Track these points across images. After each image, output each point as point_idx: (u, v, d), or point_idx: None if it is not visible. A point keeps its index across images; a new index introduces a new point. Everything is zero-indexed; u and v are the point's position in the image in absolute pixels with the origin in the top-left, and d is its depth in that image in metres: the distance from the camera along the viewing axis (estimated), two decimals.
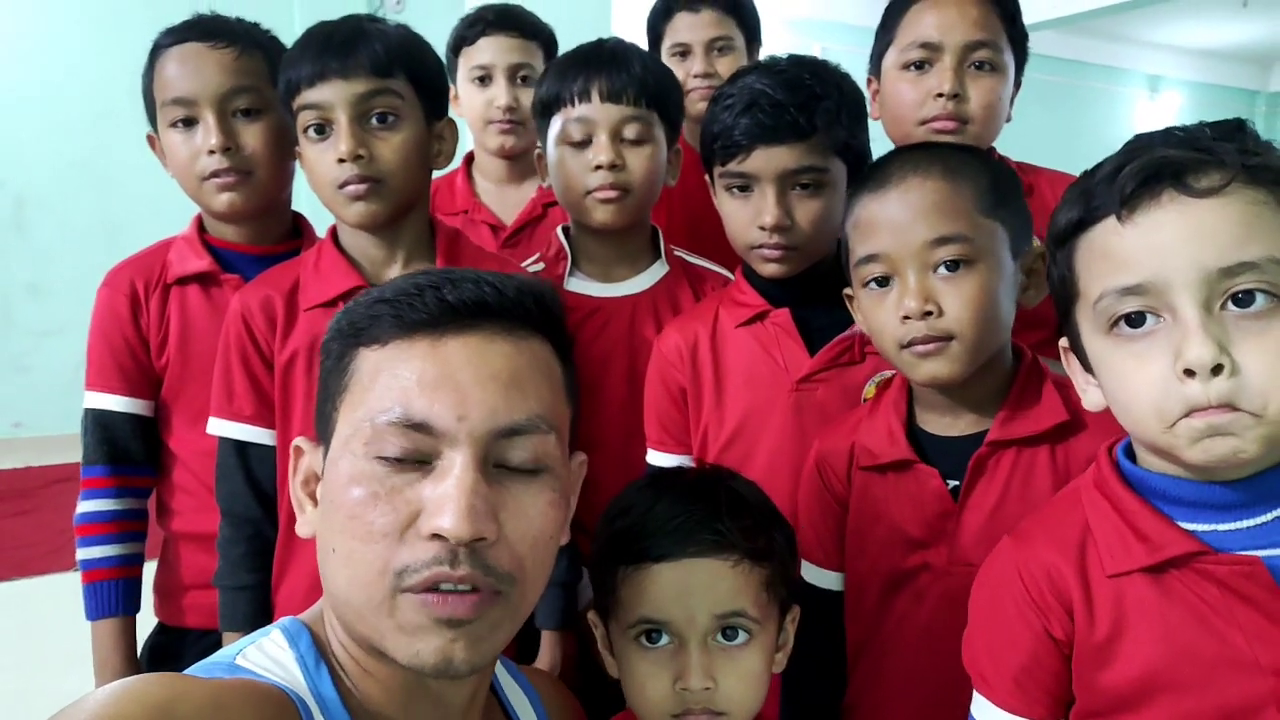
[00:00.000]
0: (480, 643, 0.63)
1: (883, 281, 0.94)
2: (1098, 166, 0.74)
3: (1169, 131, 0.72)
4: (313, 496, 0.71)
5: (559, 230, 1.36)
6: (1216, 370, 0.65)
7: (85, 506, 1.25)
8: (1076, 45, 7.95)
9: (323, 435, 0.70)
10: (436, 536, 0.61)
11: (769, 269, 1.12)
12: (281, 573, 1.14)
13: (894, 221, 0.92)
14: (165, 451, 1.28)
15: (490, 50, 1.63)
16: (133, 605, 1.26)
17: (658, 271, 1.33)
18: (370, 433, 0.63)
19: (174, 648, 1.27)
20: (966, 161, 0.96)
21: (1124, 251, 0.69)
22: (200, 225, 1.29)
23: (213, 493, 1.18)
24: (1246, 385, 0.65)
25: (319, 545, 0.68)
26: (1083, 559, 0.76)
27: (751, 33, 1.74)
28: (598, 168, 1.21)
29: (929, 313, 0.90)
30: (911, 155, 0.97)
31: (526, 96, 1.58)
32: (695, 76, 1.68)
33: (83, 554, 1.24)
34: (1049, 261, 0.79)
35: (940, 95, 1.21)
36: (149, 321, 1.25)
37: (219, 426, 1.15)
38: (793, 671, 1.03)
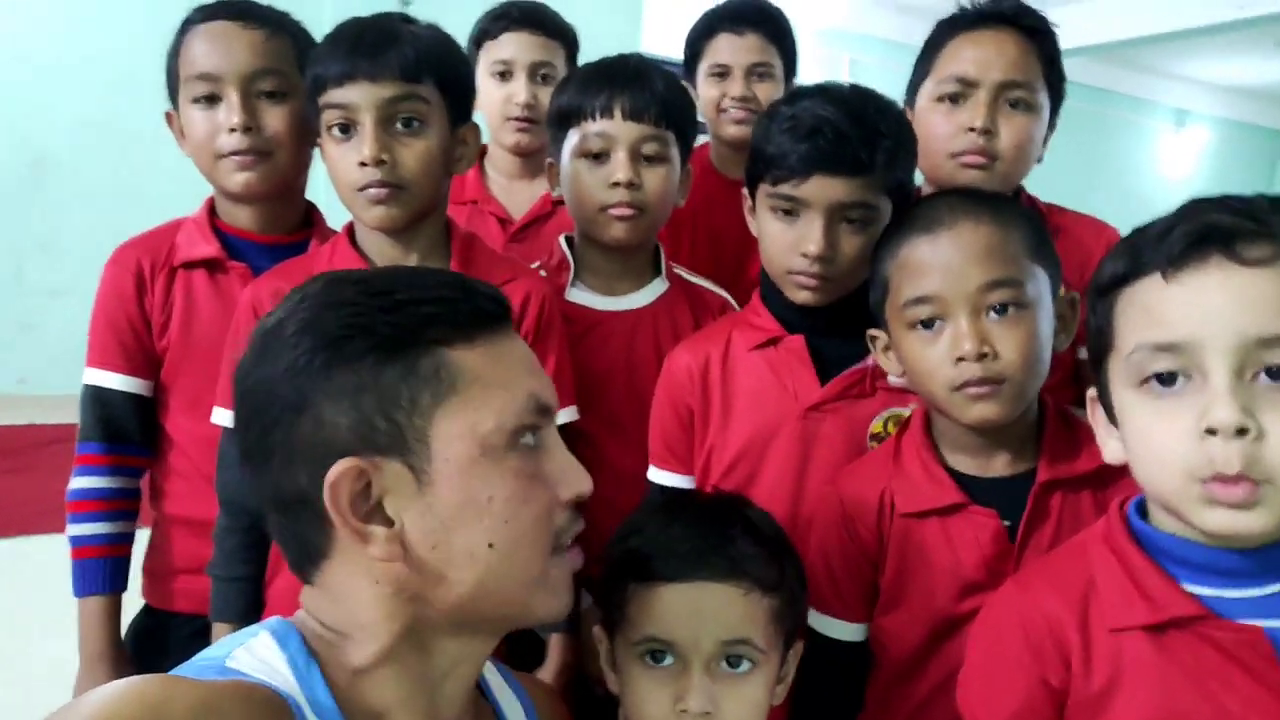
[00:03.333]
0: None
1: (929, 323, 0.94)
2: (1150, 223, 0.75)
3: (1225, 198, 0.73)
4: (381, 520, 0.66)
5: (561, 239, 1.36)
6: (1241, 433, 0.66)
7: (78, 483, 1.25)
8: (1105, 74, 7.91)
9: (389, 447, 0.65)
10: (575, 502, 0.72)
11: (802, 296, 1.10)
12: (276, 568, 1.13)
13: (947, 264, 0.93)
14: (161, 434, 1.27)
15: (513, 46, 1.63)
16: (120, 583, 1.25)
17: (658, 288, 1.33)
18: (514, 423, 0.68)
19: (160, 631, 1.27)
20: (1011, 207, 0.98)
21: (1164, 308, 0.70)
22: (211, 209, 1.28)
23: (207, 479, 1.17)
24: (1269, 451, 0.66)
25: (436, 557, 0.66)
26: (1085, 611, 0.77)
27: (790, 63, 1.73)
28: (615, 184, 1.21)
29: (984, 355, 0.91)
30: (959, 199, 0.99)
31: (545, 95, 1.58)
32: (732, 99, 1.67)
33: (73, 530, 1.24)
34: (1088, 311, 0.80)
35: (972, 130, 1.20)
36: (153, 302, 1.24)
37: (223, 416, 1.15)
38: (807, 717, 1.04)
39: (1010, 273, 0.93)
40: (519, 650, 1.22)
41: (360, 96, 1.06)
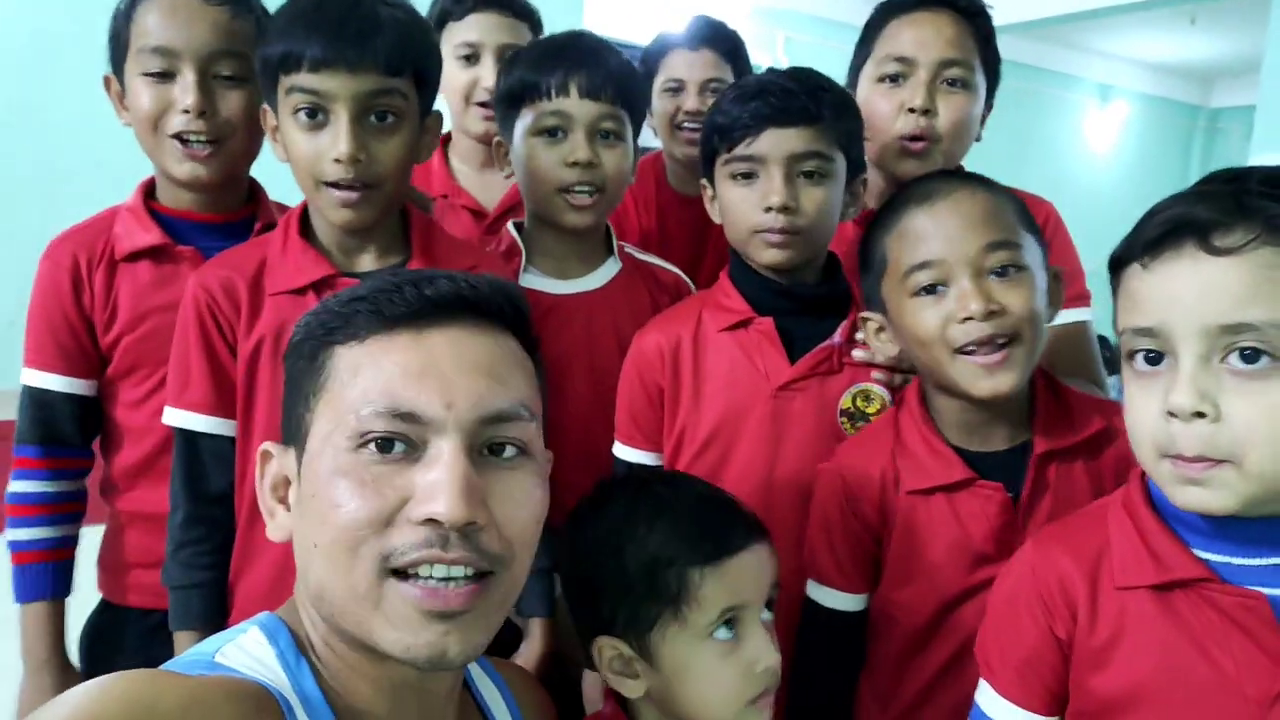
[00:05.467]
0: (473, 635, 0.65)
1: (931, 289, 0.97)
2: (1154, 206, 0.78)
3: (1230, 175, 0.74)
4: (284, 501, 0.70)
5: (510, 225, 1.34)
6: (1199, 416, 0.69)
7: (16, 486, 1.21)
8: (1032, 50, 8.08)
9: (293, 438, 0.70)
10: (428, 522, 0.62)
11: (770, 255, 1.12)
12: (240, 569, 1.11)
13: (947, 229, 0.97)
14: (114, 428, 1.23)
15: (478, 28, 1.56)
16: (62, 589, 1.22)
17: (611, 269, 1.33)
18: (355, 424, 0.64)
19: (116, 626, 1.24)
20: (999, 186, 1.02)
21: (1141, 295, 0.75)
22: (146, 192, 1.23)
23: (165, 473, 1.14)
24: (1227, 432, 0.69)
25: (298, 545, 0.68)
26: (1096, 569, 0.81)
27: None
28: (574, 164, 1.20)
29: (991, 313, 0.93)
30: (950, 175, 1.04)
31: None
32: (687, 113, 1.67)
33: (12, 535, 1.20)
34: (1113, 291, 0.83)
35: (912, 109, 1.23)
36: (93, 299, 1.19)
37: (174, 416, 1.10)
38: (807, 689, 1.07)
39: (1009, 235, 0.96)
40: (497, 636, 1.23)
41: (339, 86, 1.00)
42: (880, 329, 1.06)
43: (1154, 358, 0.74)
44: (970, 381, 0.95)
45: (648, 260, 1.38)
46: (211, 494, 1.10)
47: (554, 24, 1.57)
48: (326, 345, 0.68)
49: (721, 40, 1.72)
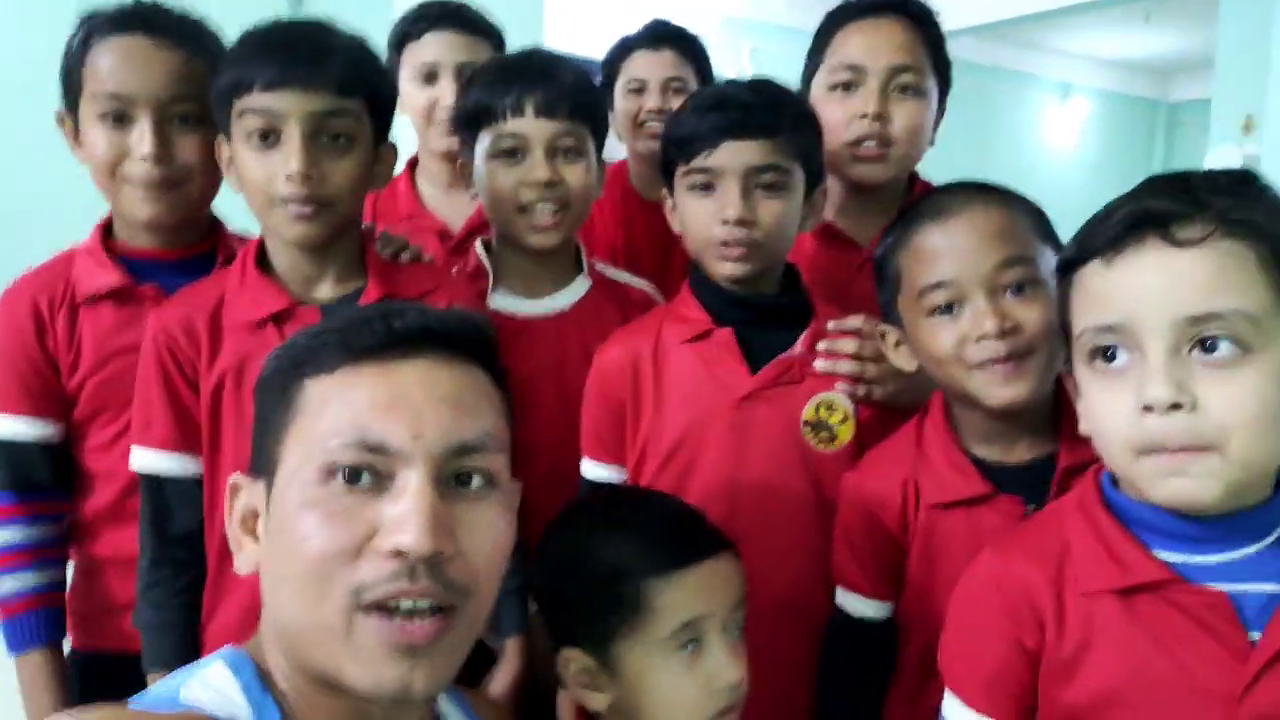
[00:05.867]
0: (438, 669, 0.66)
1: (948, 308, 0.96)
2: (1106, 205, 0.78)
3: (1175, 178, 0.75)
4: (252, 533, 0.71)
5: (478, 245, 1.34)
6: (1176, 408, 0.69)
7: None
8: (991, 51, 8.19)
9: (262, 470, 0.70)
10: (396, 553, 0.63)
11: (727, 268, 1.12)
12: (213, 606, 1.10)
13: (960, 247, 0.96)
14: (82, 472, 1.22)
15: (437, 47, 1.55)
16: (57, 633, 1.20)
17: (581, 287, 1.32)
18: (323, 457, 0.65)
19: (91, 674, 1.21)
20: (1014, 193, 1.01)
21: (1104, 291, 0.74)
22: (105, 232, 1.22)
23: (132, 515, 1.13)
24: (1206, 420, 0.69)
25: (265, 578, 0.68)
26: (1059, 576, 0.80)
27: (706, 80, 1.75)
28: (534, 184, 1.20)
29: (1006, 331, 0.92)
30: (964, 188, 1.02)
31: None
32: (649, 111, 1.68)
33: None
34: (1058, 295, 0.83)
35: (864, 116, 1.23)
36: (56, 342, 1.17)
37: (139, 456, 1.10)
38: (833, 699, 1.07)
39: (1024, 251, 0.95)
40: (471, 658, 1.22)
41: (291, 105, 1.02)
42: (899, 343, 1.05)
43: (1113, 355, 0.74)
44: (986, 392, 0.95)
45: (618, 278, 1.38)
46: (178, 534, 1.09)
47: (514, 41, 1.58)
48: (296, 379, 0.69)
49: (681, 40, 1.73)
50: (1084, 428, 0.82)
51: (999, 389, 0.94)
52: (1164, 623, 0.74)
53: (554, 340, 1.28)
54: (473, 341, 0.72)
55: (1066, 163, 8.99)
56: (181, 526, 1.09)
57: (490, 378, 0.74)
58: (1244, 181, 0.74)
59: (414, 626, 0.63)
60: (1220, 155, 5.52)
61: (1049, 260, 0.96)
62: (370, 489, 0.65)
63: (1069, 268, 0.79)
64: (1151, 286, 0.71)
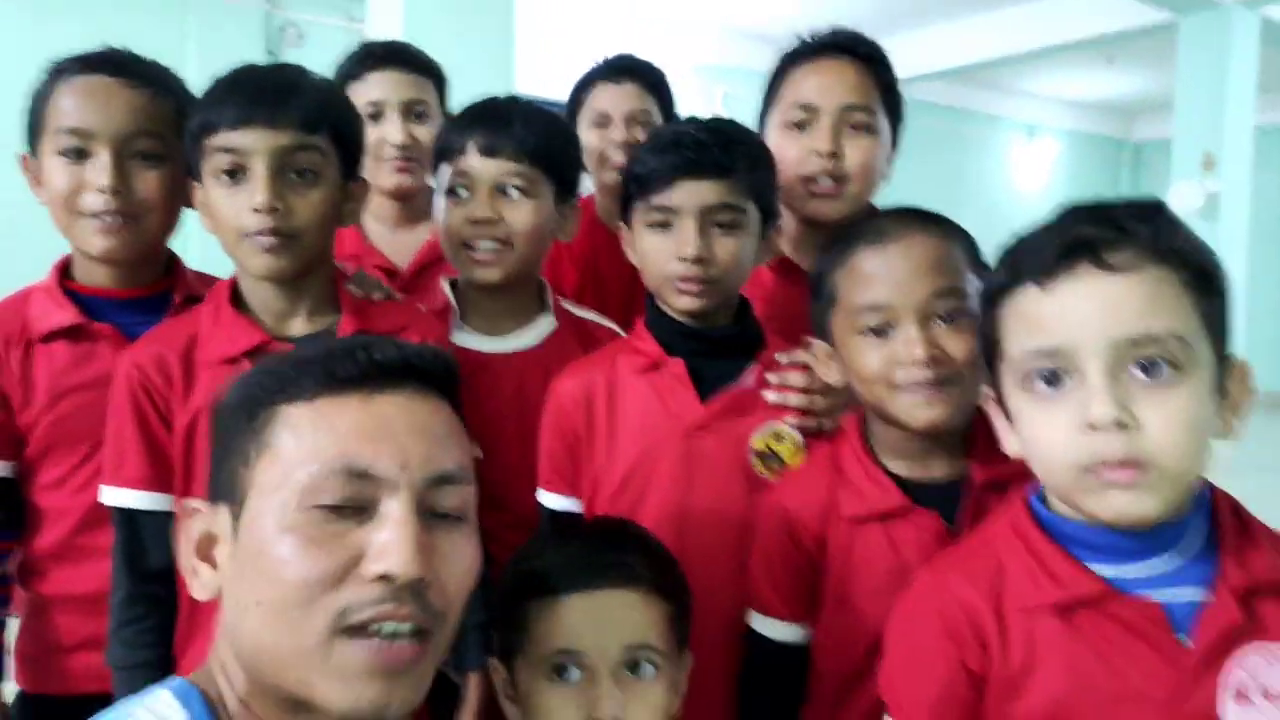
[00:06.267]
0: (412, 691, 0.67)
1: (879, 330, 0.99)
2: (1028, 234, 0.81)
3: (1095, 208, 0.79)
4: (208, 560, 0.71)
5: (444, 282, 1.36)
6: (1120, 426, 0.71)
7: None
8: (960, 94, 8.38)
9: (225, 495, 0.70)
10: (382, 579, 0.64)
11: (684, 302, 1.14)
12: (186, 641, 1.09)
13: (896, 273, 0.98)
14: (31, 511, 1.20)
15: (381, 86, 1.57)
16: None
17: (546, 326, 1.33)
18: (307, 481, 0.65)
19: (47, 716, 1.19)
20: (950, 222, 1.04)
21: (1042, 316, 0.76)
22: (62, 272, 1.22)
23: (90, 553, 1.13)
24: (1146, 439, 0.72)
25: (231, 603, 0.68)
26: (998, 596, 0.81)
27: (668, 112, 1.78)
28: (474, 221, 1.23)
29: (934, 359, 0.95)
30: (903, 214, 1.05)
31: (421, 133, 1.56)
32: (615, 144, 1.70)
33: None
34: (981, 320, 0.85)
35: (819, 154, 1.26)
36: (10, 380, 1.17)
37: (111, 495, 1.09)
38: None
39: (955, 281, 0.98)
40: (436, 690, 1.21)
41: (257, 142, 1.05)
42: (829, 356, 1.07)
43: (1051, 378, 0.76)
44: (908, 414, 0.97)
45: (583, 316, 1.39)
46: (151, 571, 1.09)
47: (485, 84, 1.60)
48: (268, 405, 0.69)
49: (644, 73, 1.76)
50: (1013, 449, 0.83)
51: (922, 411, 0.96)
52: (1103, 634, 0.76)
53: (517, 377, 1.29)
54: (444, 377, 0.74)
55: (1034, 201, 9.16)
56: (156, 562, 1.08)
57: (456, 414, 0.76)
58: (1158, 210, 0.78)
59: (395, 649, 0.65)
60: (1182, 190, 5.65)
61: (975, 289, 0.98)
62: (354, 517, 0.66)
63: (1000, 292, 0.81)
64: (1088, 310, 0.74)
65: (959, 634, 0.81)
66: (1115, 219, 0.76)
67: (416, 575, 0.64)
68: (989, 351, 0.84)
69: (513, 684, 0.91)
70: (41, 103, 1.17)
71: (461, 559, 0.70)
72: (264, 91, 1.06)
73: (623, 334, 1.38)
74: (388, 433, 0.67)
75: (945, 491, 1.01)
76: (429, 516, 0.68)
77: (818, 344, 1.09)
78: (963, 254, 1.01)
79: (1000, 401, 0.84)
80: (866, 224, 1.06)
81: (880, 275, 0.99)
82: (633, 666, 0.88)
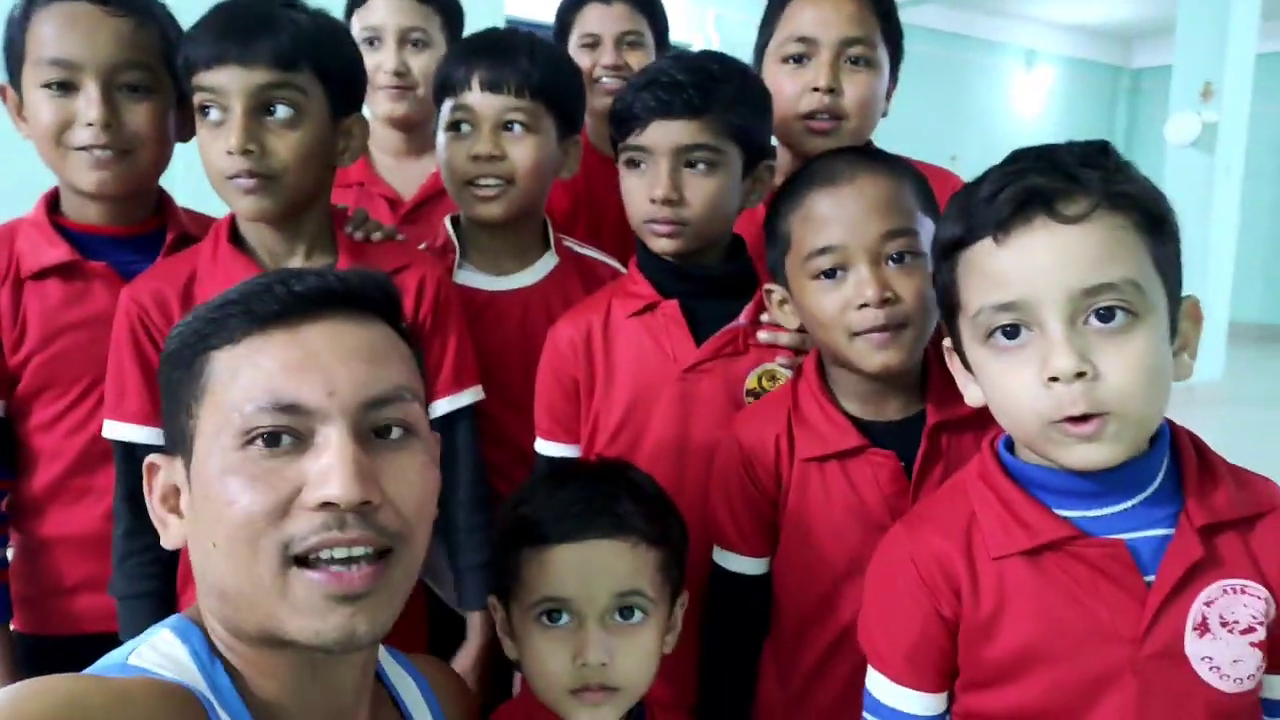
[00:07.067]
0: (378, 613, 0.67)
1: (831, 273, 0.99)
2: (977, 184, 0.80)
3: (1042, 154, 0.78)
4: (174, 510, 0.72)
5: (447, 220, 1.34)
6: (1080, 376, 0.72)
7: None
8: (958, 19, 8.20)
9: (178, 446, 0.71)
10: (324, 506, 0.64)
11: (660, 244, 1.14)
12: (187, 577, 1.10)
13: (848, 214, 0.98)
14: (24, 451, 1.20)
15: (380, 11, 1.53)
16: (4, 613, 1.18)
17: (548, 264, 1.32)
18: (240, 423, 0.65)
19: (44, 656, 1.19)
20: (902, 163, 1.04)
21: (999, 271, 0.77)
22: (50, 206, 1.19)
23: (85, 493, 1.14)
24: (1106, 387, 0.73)
25: (194, 549, 0.69)
26: (969, 544, 0.83)
27: (661, 33, 1.73)
28: (476, 158, 1.21)
29: (886, 300, 0.95)
30: (855, 155, 1.05)
31: (418, 62, 1.53)
32: (604, 68, 1.66)
33: None
34: (934, 269, 0.86)
35: (816, 89, 1.24)
36: (0, 318, 1.15)
37: (113, 429, 1.10)
38: (713, 652, 1.10)
39: (907, 223, 0.98)
40: (442, 630, 1.24)
41: (230, 81, 1.03)
42: (784, 301, 1.08)
43: (1011, 331, 0.77)
44: (863, 358, 0.98)
45: (587, 254, 1.38)
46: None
47: (474, 8, 1.54)
48: (202, 352, 0.69)
49: None
50: (973, 399, 0.85)
51: (875, 355, 0.97)
52: (1071, 576, 0.79)
53: (519, 315, 1.29)
54: (377, 299, 0.73)
55: (1032, 129, 9.07)
56: None
57: (396, 332, 0.75)
58: (1105, 153, 0.78)
59: (350, 574, 0.65)
60: (1180, 121, 5.58)
61: (929, 230, 0.98)
62: (290, 450, 0.66)
63: (953, 248, 0.81)
64: (1045, 263, 0.74)
65: (932, 583, 0.84)
66: (1065, 167, 0.76)
67: (359, 498, 0.64)
68: (946, 304, 0.84)
69: (509, 622, 0.94)
70: (18, 30, 1.12)
71: (414, 477, 0.70)
72: (237, 28, 1.03)
73: (625, 271, 1.37)
74: (314, 363, 0.67)
75: (901, 430, 1.03)
76: (372, 439, 0.68)
77: (773, 288, 1.08)
78: (914, 195, 1.01)
79: (959, 350, 0.85)
80: (818, 166, 1.05)
81: (832, 217, 0.99)
82: (622, 612, 0.90)
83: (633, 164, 1.14)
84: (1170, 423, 0.83)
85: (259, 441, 0.65)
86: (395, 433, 0.70)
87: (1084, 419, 0.73)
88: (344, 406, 0.66)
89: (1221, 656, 0.77)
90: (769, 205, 1.10)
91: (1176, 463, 0.81)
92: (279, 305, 0.68)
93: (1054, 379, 0.73)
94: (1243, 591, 0.78)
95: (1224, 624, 0.77)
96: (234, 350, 0.68)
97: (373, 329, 0.72)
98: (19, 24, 1.12)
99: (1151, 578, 0.78)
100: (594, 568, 0.88)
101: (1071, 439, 0.75)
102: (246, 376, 0.67)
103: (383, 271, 0.82)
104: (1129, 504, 0.79)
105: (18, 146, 1.19)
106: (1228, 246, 5.72)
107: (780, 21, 1.29)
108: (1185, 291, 0.80)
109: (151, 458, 0.73)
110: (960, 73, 8.48)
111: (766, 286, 1.09)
